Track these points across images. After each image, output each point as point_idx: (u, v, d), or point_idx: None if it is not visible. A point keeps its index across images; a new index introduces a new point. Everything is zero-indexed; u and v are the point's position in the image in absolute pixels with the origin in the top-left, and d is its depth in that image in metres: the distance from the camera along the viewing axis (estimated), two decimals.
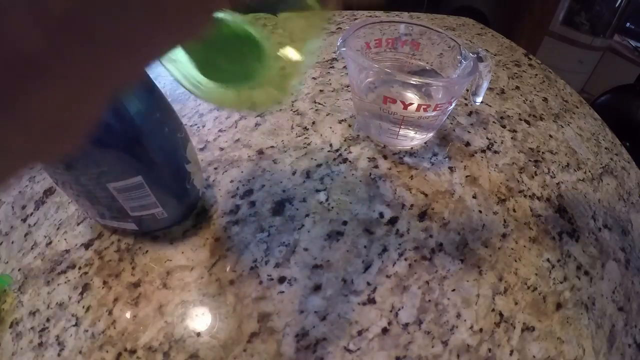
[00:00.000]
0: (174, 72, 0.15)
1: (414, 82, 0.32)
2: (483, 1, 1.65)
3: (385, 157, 0.37)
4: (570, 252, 0.32)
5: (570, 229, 0.34)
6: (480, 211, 0.33)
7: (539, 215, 0.34)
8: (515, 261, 0.30)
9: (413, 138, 0.37)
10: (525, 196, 0.35)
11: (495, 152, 0.39)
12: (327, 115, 0.41)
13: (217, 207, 0.31)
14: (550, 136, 0.43)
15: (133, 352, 0.24)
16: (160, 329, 0.25)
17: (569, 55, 1.60)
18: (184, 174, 0.27)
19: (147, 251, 0.29)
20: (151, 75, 0.24)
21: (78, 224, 0.31)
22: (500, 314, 0.27)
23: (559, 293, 0.29)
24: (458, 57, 0.35)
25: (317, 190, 0.33)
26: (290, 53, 0.15)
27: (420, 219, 0.32)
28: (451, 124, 0.42)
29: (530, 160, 0.39)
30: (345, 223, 0.31)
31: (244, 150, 0.36)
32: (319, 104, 0.42)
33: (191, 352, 0.24)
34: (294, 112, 0.41)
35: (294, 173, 0.34)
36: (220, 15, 0.13)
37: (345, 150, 0.37)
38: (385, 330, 0.26)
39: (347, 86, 0.45)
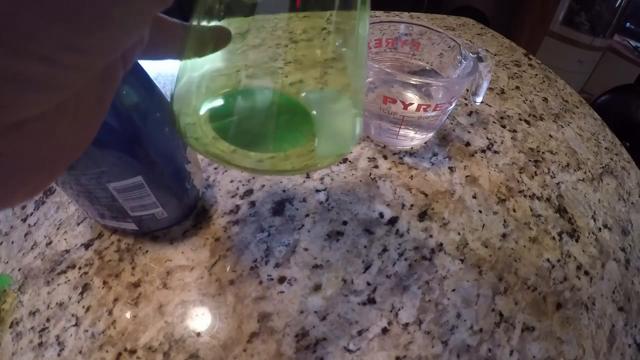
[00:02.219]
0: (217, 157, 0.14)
1: (414, 82, 0.32)
2: (483, 1, 1.66)
3: (385, 157, 0.37)
4: (570, 252, 0.32)
5: (570, 229, 0.34)
6: (480, 211, 0.33)
7: (539, 215, 0.34)
8: (515, 261, 0.30)
9: (413, 138, 0.37)
10: (525, 196, 0.35)
11: (495, 152, 0.39)
12: None
13: (217, 207, 0.31)
14: (550, 136, 0.43)
15: (133, 352, 0.24)
16: (160, 329, 0.25)
17: (569, 55, 1.60)
18: (184, 174, 0.27)
19: (147, 251, 0.29)
20: (151, 75, 0.24)
21: (78, 224, 0.31)
22: (500, 314, 0.27)
23: (559, 293, 0.29)
24: (458, 57, 0.35)
25: (317, 190, 0.33)
26: (333, 101, 0.14)
27: (420, 219, 0.32)
28: (451, 124, 0.42)
29: (530, 160, 0.39)
30: (345, 223, 0.31)
31: None
32: None
33: (191, 352, 0.24)
34: None
35: None
36: (260, 86, 0.13)
37: None
38: (385, 330, 0.26)
39: None
